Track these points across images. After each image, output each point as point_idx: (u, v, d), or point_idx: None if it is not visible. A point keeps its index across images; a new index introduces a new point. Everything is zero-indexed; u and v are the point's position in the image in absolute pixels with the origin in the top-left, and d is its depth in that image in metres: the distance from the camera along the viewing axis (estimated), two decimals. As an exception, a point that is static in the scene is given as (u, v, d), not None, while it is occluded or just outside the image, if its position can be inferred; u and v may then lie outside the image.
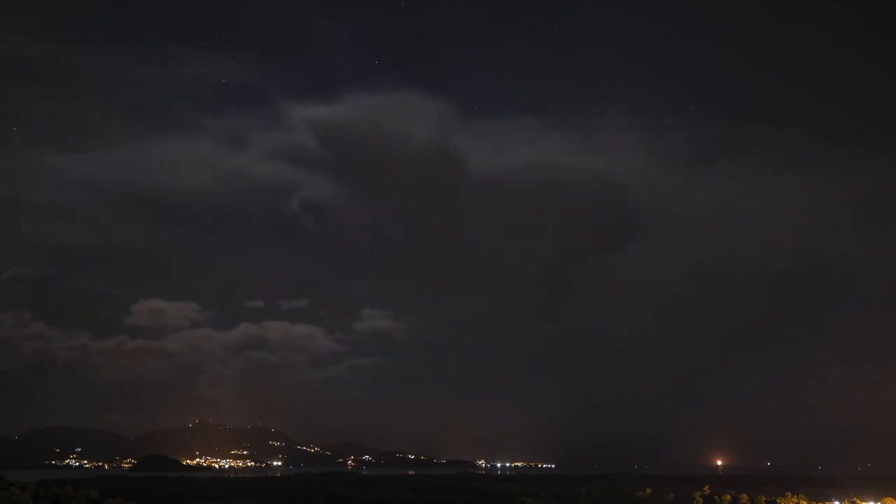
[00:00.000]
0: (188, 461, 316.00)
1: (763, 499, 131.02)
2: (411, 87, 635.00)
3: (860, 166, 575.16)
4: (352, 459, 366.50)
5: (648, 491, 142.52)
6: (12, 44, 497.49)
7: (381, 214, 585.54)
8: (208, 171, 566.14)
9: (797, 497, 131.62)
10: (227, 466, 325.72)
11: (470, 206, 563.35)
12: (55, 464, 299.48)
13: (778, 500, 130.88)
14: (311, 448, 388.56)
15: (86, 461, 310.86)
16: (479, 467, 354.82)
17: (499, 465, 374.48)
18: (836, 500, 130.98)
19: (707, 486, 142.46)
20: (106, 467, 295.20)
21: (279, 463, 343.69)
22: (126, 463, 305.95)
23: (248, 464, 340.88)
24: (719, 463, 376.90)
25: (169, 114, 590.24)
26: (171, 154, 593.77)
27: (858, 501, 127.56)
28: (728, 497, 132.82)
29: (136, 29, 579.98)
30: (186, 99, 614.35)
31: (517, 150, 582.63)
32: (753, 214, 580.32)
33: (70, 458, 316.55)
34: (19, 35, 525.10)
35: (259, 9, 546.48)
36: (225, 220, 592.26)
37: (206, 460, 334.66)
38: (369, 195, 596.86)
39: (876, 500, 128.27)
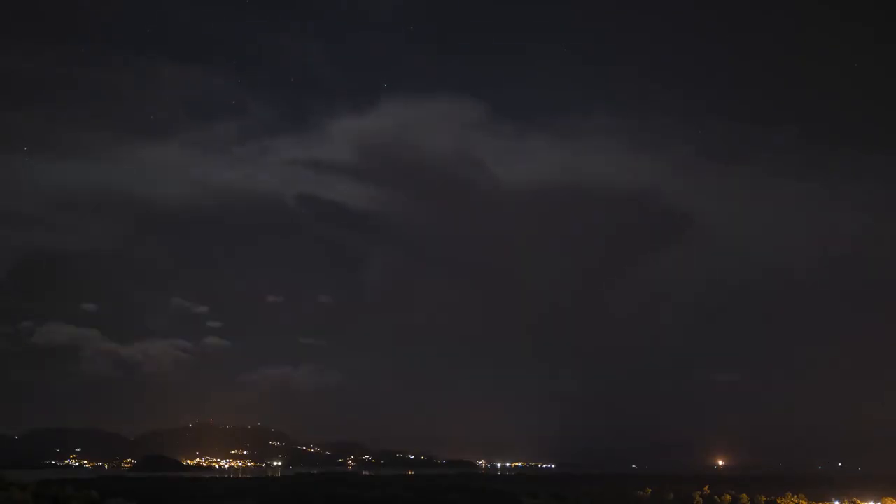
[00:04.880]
0: (188, 461, 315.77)
1: (763, 499, 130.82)
2: (439, 93, 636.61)
3: (878, 168, 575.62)
4: (352, 459, 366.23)
5: (648, 491, 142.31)
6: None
7: (404, 219, 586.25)
8: (226, 178, 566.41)
9: (797, 497, 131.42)
10: (227, 466, 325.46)
11: (496, 213, 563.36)
12: (55, 464, 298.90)
13: (778, 500, 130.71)
14: (311, 448, 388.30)
15: (86, 461, 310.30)
16: (480, 467, 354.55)
17: (499, 465, 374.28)
18: (836, 500, 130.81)
19: (707, 486, 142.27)
20: (106, 467, 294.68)
21: (279, 463, 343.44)
22: (126, 463, 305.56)
23: (248, 464, 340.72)
24: (720, 463, 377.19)
25: (176, 124, 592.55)
26: (185, 163, 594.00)
27: (858, 501, 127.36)
28: (728, 497, 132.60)
29: (141, 41, 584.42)
30: (202, 109, 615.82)
31: (544, 157, 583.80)
32: (776, 218, 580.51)
33: (70, 458, 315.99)
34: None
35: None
36: (242, 226, 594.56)
37: (206, 460, 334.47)
38: (396, 201, 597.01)
39: (876, 500, 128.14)
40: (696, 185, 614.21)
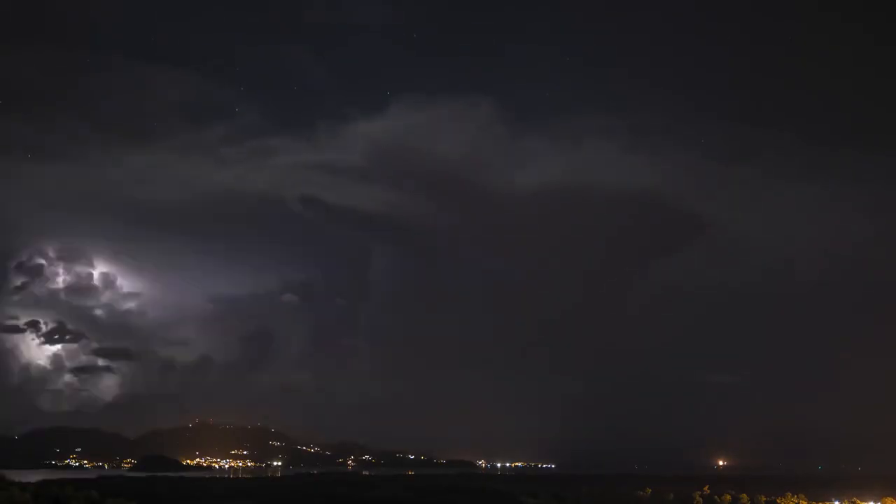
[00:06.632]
0: (188, 461, 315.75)
1: (763, 499, 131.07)
2: (440, 96, 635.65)
3: (879, 170, 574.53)
4: (352, 459, 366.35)
5: (648, 491, 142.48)
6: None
7: (405, 222, 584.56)
8: (227, 182, 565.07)
9: (797, 497, 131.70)
10: (227, 466, 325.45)
11: (499, 214, 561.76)
12: (55, 464, 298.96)
13: (778, 500, 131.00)
14: (311, 448, 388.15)
15: (86, 461, 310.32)
16: (479, 467, 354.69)
17: (499, 465, 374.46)
18: (836, 500, 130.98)
19: (707, 486, 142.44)
20: (106, 467, 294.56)
21: (279, 463, 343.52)
22: (126, 463, 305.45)
23: (248, 464, 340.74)
24: (720, 463, 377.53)
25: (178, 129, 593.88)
26: (186, 167, 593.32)
27: (858, 501, 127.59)
28: (728, 497, 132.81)
29: (143, 45, 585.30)
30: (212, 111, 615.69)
31: (545, 158, 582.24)
32: (777, 220, 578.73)
33: (70, 458, 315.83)
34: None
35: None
36: (243, 229, 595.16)
37: (206, 460, 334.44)
38: (398, 204, 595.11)
39: (876, 500, 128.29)
40: (697, 187, 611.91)
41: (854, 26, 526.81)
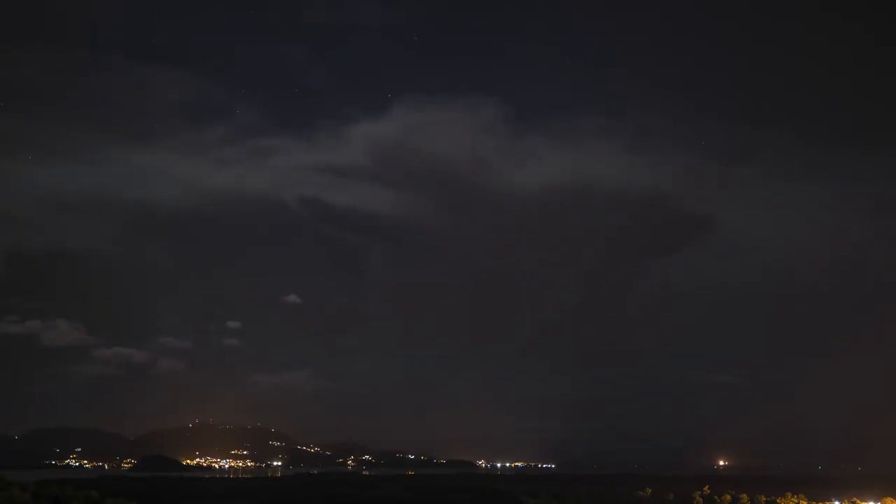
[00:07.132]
0: (188, 461, 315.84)
1: (763, 499, 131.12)
2: (441, 97, 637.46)
3: (879, 170, 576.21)
4: (352, 459, 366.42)
5: (648, 491, 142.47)
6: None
7: (405, 221, 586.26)
8: (227, 182, 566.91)
9: (797, 497, 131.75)
10: (227, 466, 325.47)
11: (499, 214, 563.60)
12: (55, 464, 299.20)
13: (778, 500, 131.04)
14: (311, 448, 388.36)
15: (86, 461, 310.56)
16: (479, 467, 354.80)
17: (499, 465, 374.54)
18: (836, 500, 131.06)
19: (707, 486, 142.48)
20: (106, 467, 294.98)
21: (279, 463, 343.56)
22: (126, 463, 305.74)
23: (248, 464, 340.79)
24: (720, 463, 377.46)
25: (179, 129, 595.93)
26: (188, 167, 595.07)
27: (858, 501, 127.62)
28: (728, 497, 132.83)
29: (145, 47, 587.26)
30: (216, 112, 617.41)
31: (546, 159, 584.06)
32: (777, 221, 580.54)
33: (70, 458, 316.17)
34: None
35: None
36: (243, 230, 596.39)
37: (206, 460, 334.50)
38: (398, 204, 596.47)
39: (876, 500, 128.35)
40: (697, 187, 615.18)
41: (854, 26, 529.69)
